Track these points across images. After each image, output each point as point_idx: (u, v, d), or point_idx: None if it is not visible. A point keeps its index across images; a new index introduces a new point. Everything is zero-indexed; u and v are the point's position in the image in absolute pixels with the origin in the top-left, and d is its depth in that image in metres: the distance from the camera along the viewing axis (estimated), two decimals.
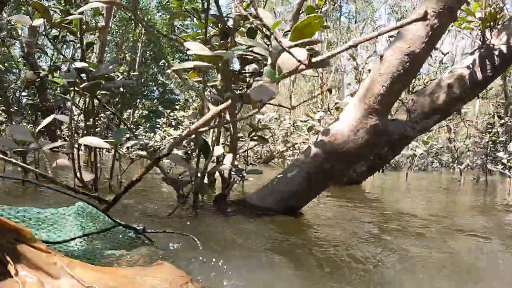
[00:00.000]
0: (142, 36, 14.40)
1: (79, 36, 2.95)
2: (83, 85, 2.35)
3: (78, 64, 2.47)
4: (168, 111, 11.30)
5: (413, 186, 7.39)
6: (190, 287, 1.18)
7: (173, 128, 9.91)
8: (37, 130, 2.72)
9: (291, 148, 9.09)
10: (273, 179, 3.06)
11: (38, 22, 2.76)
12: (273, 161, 10.48)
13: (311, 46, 2.12)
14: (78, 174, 2.50)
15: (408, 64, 2.74)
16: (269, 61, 1.65)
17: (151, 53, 19.70)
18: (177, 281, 1.17)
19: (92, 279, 1.06)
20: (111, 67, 2.47)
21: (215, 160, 3.23)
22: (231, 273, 1.54)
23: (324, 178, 2.95)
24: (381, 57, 2.80)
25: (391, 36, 5.88)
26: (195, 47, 1.71)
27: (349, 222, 3.01)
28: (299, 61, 1.54)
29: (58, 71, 4.02)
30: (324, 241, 2.28)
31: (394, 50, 2.78)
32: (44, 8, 2.56)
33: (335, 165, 2.90)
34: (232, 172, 3.20)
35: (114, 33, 18.09)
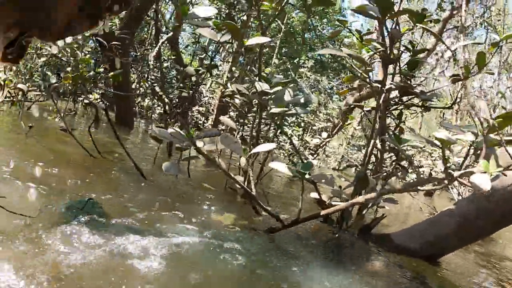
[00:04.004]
0: (281, 33, 14.68)
1: (258, 52, 3.17)
2: (273, 111, 2.51)
3: (263, 86, 2.65)
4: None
5: None
6: None
7: (301, 128, 10.06)
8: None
9: (416, 170, 8.86)
10: (421, 222, 3.10)
11: (225, 38, 2.98)
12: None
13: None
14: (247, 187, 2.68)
15: None
16: (483, 153, 1.70)
17: (286, 50, 20.09)
18: None
19: None
20: (297, 99, 2.61)
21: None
22: None
23: (472, 233, 2.93)
24: None
25: None
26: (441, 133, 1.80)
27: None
28: None
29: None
30: None
31: None
32: (237, 30, 2.78)
33: (485, 224, 2.86)
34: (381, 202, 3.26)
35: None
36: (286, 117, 11.41)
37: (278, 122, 3.08)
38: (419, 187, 2.29)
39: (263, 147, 2.22)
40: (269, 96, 2.69)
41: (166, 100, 4.89)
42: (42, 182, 2.45)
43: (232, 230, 2.41)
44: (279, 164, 2.31)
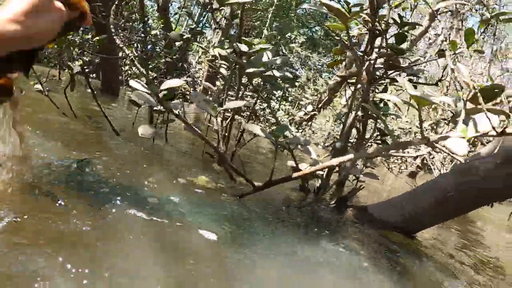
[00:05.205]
0: (273, 7, 14.50)
1: (240, 13, 3.07)
2: (249, 70, 2.42)
3: (242, 47, 2.56)
4: (287, 85, 11.39)
5: None
6: None
7: (289, 104, 9.99)
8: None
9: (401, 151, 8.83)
10: (398, 196, 3.05)
11: None
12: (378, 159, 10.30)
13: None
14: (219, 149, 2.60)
15: None
16: (462, 116, 1.63)
17: (278, 24, 19.86)
18: None
19: None
20: (279, 61, 2.52)
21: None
22: None
23: (451, 208, 2.87)
24: None
25: None
26: (411, 88, 1.73)
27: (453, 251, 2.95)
28: (493, 127, 1.53)
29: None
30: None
31: None
32: None
33: (465, 199, 2.81)
34: (358, 175, 3.21)
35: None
36: (274, 91, 11.36)
37: (259, 88, 2.99)
38: (393, 152, 2.23)
39: (232, 104, 2.14)
40: (249, 58, 2.60)
41: (144, 72, 4.77)
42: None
43: (202, 194, 2.32)
44: (254, 126, 2.23)
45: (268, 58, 2.51)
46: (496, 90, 1.89)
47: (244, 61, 2.59)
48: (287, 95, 10.60)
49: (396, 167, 9.88)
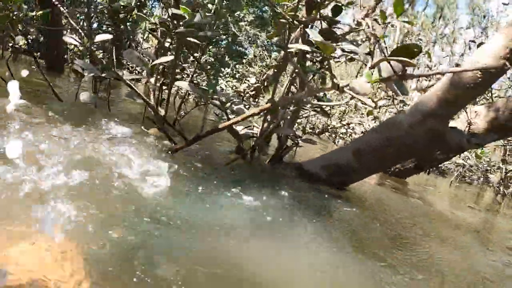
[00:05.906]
0: None
1: None
2: (178, 30, 2.53)
3: (175, 10, 2.66)
4: (234, 62, 11.53)
5: (453, 196, 7.23)
6: None
7: (236, 80, 10.07)
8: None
9: (345, 126, 9.13)
10: (329, 152, 3.25)
11: None
12: (325, 134, 10.58)
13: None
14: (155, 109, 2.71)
15: (480, 80, 2.81)
16: (369, 64, 1.82)
17: (227, 1, 19.72)
18: None
19: None
20: (207, 20, 2.64)
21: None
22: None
23: (374, 161, 3.10)
24: (457, 65, 2.85)
25: (472, 41, 5.98)
26: (315, 35, 1.89)
27: (378, 203, 3.18)
28: (395, 72, 1.71)
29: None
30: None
31: (470, 63, 2.84)
32: None
33: (387, 153, 3.04)
34: (289, 137, 3.37)
35: None
36: (222, 68, 11.45)
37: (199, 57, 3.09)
38: (307, 98, 2.39)
39: (163, 59, 2.25)
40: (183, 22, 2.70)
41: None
42: None
43: (138, 156, 2.41)
44: (183, 82, 2.36)
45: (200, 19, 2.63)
46: (414, 50, 2.08)
47: (177, 23, 2.69)
48: (234, 72, 10.70)
49: (341, 141, 10.19)
